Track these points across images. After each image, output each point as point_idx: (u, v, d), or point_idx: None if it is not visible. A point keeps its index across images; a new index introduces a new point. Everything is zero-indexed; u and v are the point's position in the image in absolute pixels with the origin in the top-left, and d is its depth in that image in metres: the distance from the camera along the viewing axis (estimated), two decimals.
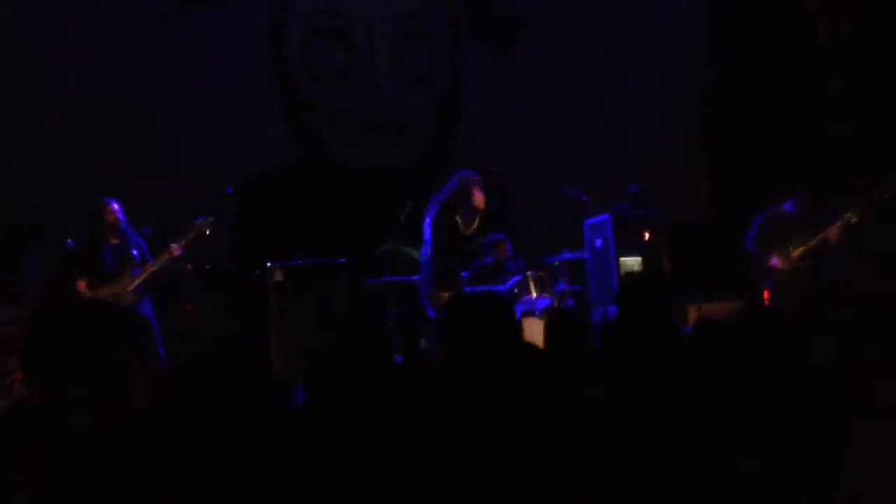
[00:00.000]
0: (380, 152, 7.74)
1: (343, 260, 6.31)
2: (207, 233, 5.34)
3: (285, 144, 7.50)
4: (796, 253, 5.93)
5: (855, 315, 2.01)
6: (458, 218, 5.25)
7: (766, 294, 5.98)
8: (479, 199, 5.24)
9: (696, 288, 6.28)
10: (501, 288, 6.06)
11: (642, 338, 2.34)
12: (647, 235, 6.71)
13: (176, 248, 5.31)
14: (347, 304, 6.18)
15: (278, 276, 6.07)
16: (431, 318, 5.41)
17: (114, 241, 5.28)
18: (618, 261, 6.64)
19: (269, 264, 6.10)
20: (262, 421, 1.79)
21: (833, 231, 5.81)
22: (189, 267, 5.44)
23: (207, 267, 5.62)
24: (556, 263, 6.43)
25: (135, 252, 5.33)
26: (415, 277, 6.22)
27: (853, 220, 5.84)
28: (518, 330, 2.07)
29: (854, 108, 7.41)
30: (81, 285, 5.19)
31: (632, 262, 6.64)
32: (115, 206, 5.28)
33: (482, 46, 8.07)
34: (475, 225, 5.33)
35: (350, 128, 7.69)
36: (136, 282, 5.24)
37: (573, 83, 7.99)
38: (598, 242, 6.80)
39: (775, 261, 5.95)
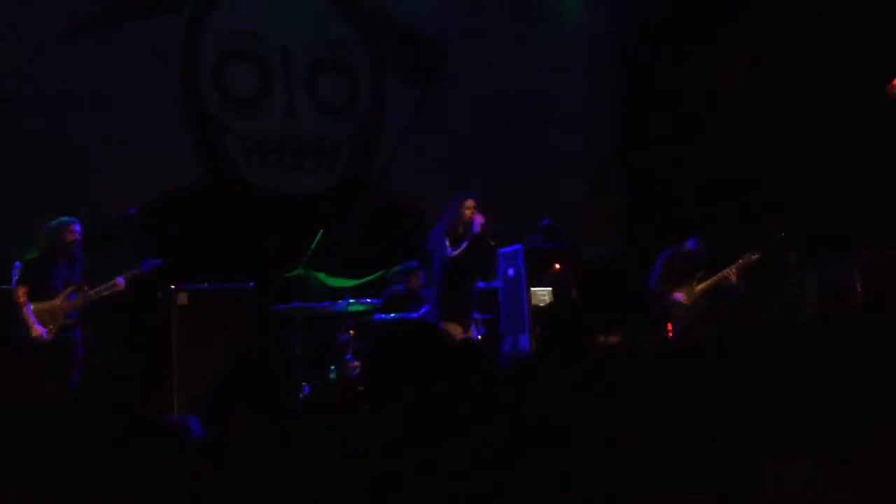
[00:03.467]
0: (293, 179, 7.65)
1: (251, 284, 6.17)
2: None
3: (195, 166, 7.32)
4: (698, 289, 6.13)
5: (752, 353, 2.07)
6: (453, 238, 5.31)
7: (668, 328, 6.15)
8: (468, 213, 5.28)
9: (602, 321, 6.38)
10: (413, 316, 6.04)
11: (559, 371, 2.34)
12: (557, 267, 6.83)
13: (120, 283, 5.29)
14: (254, 330, 6.03)
15: (182, 299, 5.88)
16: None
17: (64, 261, 5.23)
18: (529, 291, 6.73)
19: (172, 287, 5.90)
20: (151, 455, 1.71)
21: (731, 271, 6.05)
22: (87, 289, 5.23)
23: (85, 288, 5.39)
24: None
25: (78, 275, 5.30)
26: (325, 304, 6.14)
27: (753, 258, 6.09)
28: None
29: (754, 149, 7.77)
30: (21, 292, 5.11)
31: (542, 293, 6.73)
32: (77, 227, 5.25)
33: (402, 79, 8.11)
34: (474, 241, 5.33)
35: (263, 153, 7.57)
36: (73, 306, 5.21)
37: (489, 119, 8.09)
38: (511, 272, 6.87)
39: (679, 296, 6.14)
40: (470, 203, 5.40)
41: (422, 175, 7.74)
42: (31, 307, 5.11)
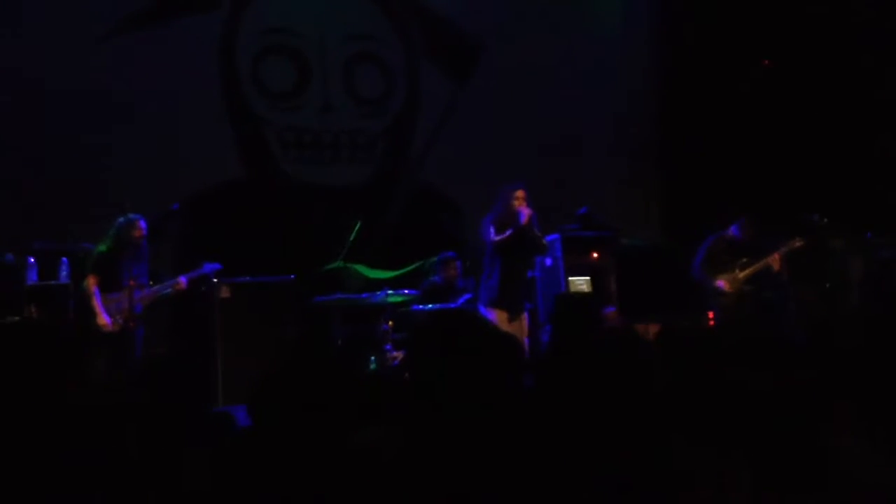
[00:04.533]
0: (330, 171, 7.70)
1: (292, 277, 6.24)
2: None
3: (235, 161, 7.40)
4: (741, 276, 6.05)
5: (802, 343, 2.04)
6: (500, 226, 5.34)
7: (710, 315, 6.08)
8: (516, 203, 5.33)
9: (642, 309, 6.35)
10: (451, 306, 6.06)
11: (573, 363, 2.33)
12: (595, 256, 6.78)
13: (183, 282, 5.54)
14: (296, 322, 6.10)
15: (225, 293, 5.98)
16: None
17: (130, 256, 5.44)
18: (567, 280, 6.70)
19: (215, 281, 5.99)
20: (193, 444, 1.74)
21: (775, 257, 5.96)
22: (132, 283, 5.35)
23: (151, 283, 5.54)
24: None
25: (143, 271, 5.51)
26: (364, 295, 6.19)
27: (796, 245, 6.00)
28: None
29: (798, 134, 7.63)
30: (92, 281, 5.35)
31: (581, 282, 6.69)
32: (143, 224, 5.51)
33: (438, 70, 8.10)
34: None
35: (301, 147, 7.64)
36: (139, 302, 5.39)
37: (525, 108, 8.05)
38: (549, 262, 6.85)
39: (721, 283, 6.06)
40: (519, 193, 5.39)
41: (458, 166, 7.75)
42: (100, 297, 5.31)
